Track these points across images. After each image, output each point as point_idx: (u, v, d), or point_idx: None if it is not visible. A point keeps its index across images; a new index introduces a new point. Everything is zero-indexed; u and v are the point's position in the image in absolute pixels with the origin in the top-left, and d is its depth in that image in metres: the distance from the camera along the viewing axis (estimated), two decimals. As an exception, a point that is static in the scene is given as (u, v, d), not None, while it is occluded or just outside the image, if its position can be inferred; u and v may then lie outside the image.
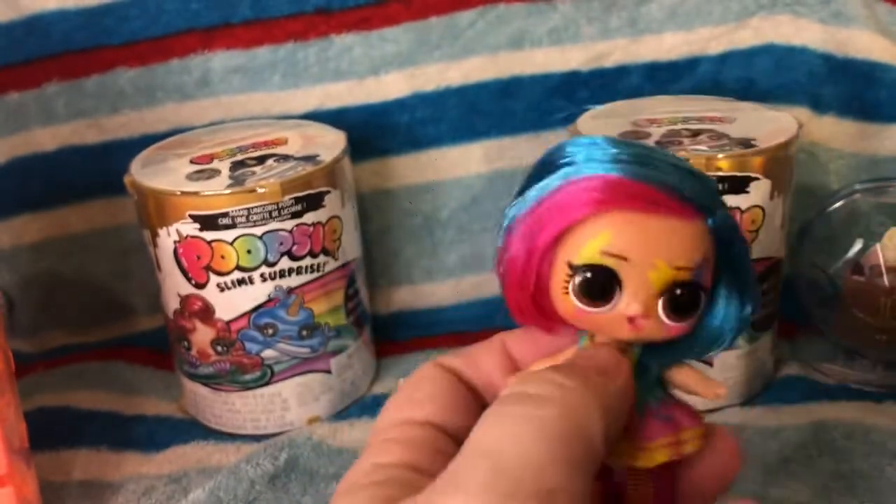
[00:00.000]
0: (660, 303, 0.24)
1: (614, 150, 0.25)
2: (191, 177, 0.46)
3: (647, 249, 0.24)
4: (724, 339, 0.26)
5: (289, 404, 0.49)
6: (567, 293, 0.25)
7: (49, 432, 0.49)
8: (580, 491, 0.20)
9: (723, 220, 0.25)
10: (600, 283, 0.24)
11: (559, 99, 0.56)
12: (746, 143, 0.44)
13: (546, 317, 0.26)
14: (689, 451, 0.25)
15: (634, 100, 0.53)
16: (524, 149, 0.57)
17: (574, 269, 0.24)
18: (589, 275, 0.24)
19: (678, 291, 0.24)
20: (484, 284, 0.59)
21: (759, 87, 0.55)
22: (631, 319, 0.24)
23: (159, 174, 0.47)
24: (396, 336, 0.58)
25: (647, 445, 0.25)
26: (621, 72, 0.56)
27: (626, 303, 0.24)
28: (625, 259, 0.24)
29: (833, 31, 0.54)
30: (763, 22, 0.55)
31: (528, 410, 0.21)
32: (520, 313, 0.26)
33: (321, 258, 0.47)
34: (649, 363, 0.26)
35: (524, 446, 0.20)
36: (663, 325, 0.25)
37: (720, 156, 0.43)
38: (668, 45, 0.55)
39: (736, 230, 0.26)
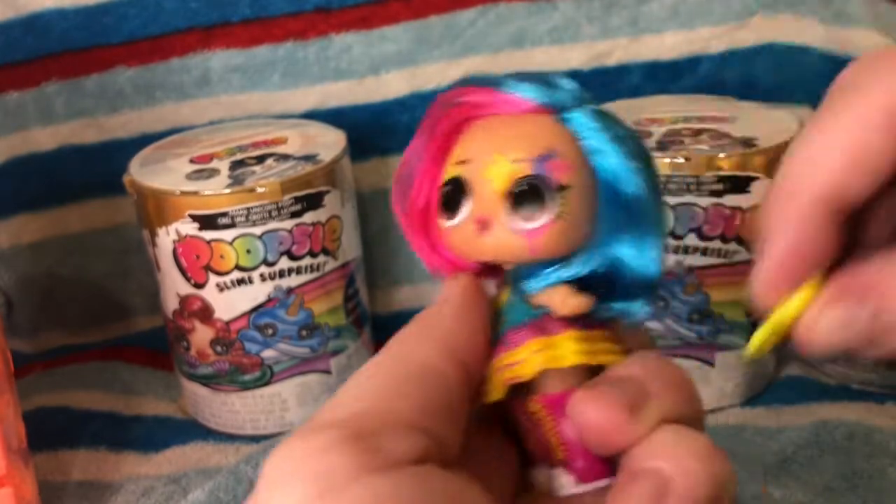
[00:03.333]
0: (505, 206, 0.24)
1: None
2: (190, 176, 0.46)
3: (485, 148, 0.24)
4: (605, 254, 0.24)
5: (288, 405, 0.49)
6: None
7: (48, 432, 0.49)
8: (422, 401, 0.23)
9: (583, 117, 0.24)
10: (451, 192, 0.24)
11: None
12: (748, 143, 0.44)
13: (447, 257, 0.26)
14: (571, 361, 0.24)
15: (635, 99, 0.53)
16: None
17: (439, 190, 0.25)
18: (444, 188, 0.25)
19: (521, 187, 0.23)
20: (484, 284, 0.59)
21: (761, 86, 0.55)
22: (478, 225, 0.24)
23: (158, 174, 0.47)
24: (396, 336, 0.58)
25: (510, 356, 0.24)
26: (622, 71, 0.56)
27: (471, 206, 0.24)
28: (466, 162, 0.24)
29: (834, 31, 0.54)
30: (764, 21, 0.55)
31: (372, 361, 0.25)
32: (423, 255, 0.27)
33: (321, 258, 0.47)
34: (519, 286, 0.25)
35: (356, 383, 0.25)
36: (517, 232, 0.24)
37: (721, 155, 0.43)
38: (669, 45, 0.55)
39: (607, 127, 0.24)
